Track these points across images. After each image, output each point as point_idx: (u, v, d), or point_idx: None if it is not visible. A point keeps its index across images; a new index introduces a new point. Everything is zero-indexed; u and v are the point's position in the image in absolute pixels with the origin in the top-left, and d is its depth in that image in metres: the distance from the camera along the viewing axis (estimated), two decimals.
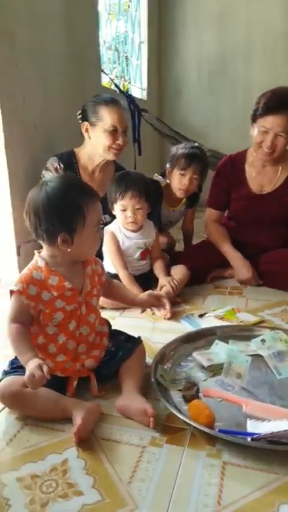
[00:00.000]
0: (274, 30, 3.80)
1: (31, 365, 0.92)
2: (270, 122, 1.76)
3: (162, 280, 1.76)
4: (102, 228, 1.73)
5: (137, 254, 1.78)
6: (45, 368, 0.91)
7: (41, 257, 1.07)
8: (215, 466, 0.86)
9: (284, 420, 0.91)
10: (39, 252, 1.09)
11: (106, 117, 1.80)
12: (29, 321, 1.05)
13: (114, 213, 1.76)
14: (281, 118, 1.75)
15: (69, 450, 0.91)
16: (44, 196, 1.01)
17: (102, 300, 1.38)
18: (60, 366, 1.07)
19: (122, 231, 1.76)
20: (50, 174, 1.85)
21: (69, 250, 1.03)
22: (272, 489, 0.80)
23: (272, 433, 0.86)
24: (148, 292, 1.37)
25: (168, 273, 1.83)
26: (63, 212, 1.01)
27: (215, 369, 1.18)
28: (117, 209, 1.73)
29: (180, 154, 2.03)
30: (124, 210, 1.71)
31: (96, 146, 1.86)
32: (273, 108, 1.75)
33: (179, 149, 2.06)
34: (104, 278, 1.21)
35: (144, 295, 1.37)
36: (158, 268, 1.83)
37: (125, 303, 1.42)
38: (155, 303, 1.37)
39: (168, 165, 2.10)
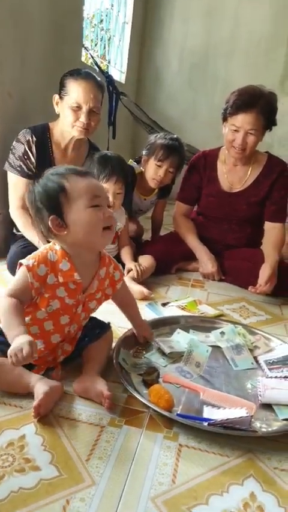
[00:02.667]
0: (259, 33, 3.86)
1: (20, 340, 0.86)
2: (240, 120, 1.80)
3: (130, 264, 1.77)
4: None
5: None
6: (35, 347, 0.86)
7: (57, 242, 1.03)
8: (171, 448, 0.90)
9: (238, 408, 0.96)
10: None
11: (71, 92, 1.70)
12: (26, 302, 1.00)
13: None
14: (250, 115, 1.78)
15: (27, 426, 0.91)
16: (34, 186, 1.00)
17: None
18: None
19: None
20: (21, 147, 1.78)
21: (65, 232, 0.98)
22: (223, 471, 0.85)
23: (227, 419, 0.91)
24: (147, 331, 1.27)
25: (135, 260, 1.85)
26: (45, 193, 0.97)
27: (175, 357, 1.22)
28: None
29: (159, 144, 1.99)
30: None
31: (63, 121, 1.79)
32: (242, 106, 1.78)
33: (157, 138, 2.03)
34: (118, 286, 1.15)
35: (145, 329, 1.26)
36: (125, 254, 1.84)
37: (129, 319, 1.27)
38: (141, 339, 1.27)
39: (144, 153, 2.07)
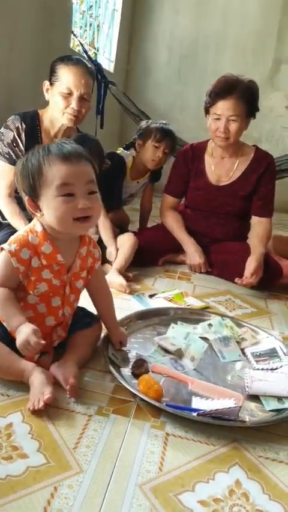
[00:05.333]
0: (248, 27, 3.86)
1: (24, 330, 0.89)
2: (220, 107, 1.83)
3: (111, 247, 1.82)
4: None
5: None
6: (39, 333, 0.88)
7: (39, 221, 1.00)
8: (158, 437, 0.91)
9: (227, 399, 0.98)
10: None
11: (63, 77, 1.68)
12: (15, 287, 0.99)
13: None
14: (229, 102, 1.81)
15: (14, 415, 0.91)
16: (21, 159, 0.99)
17: None
18: None
19: None
20: (11, 133, 1.74)
21: (38, 215, 0.99)
22: (209, 459, 0.86)
23: (216, 410, 0.92)
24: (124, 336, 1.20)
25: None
26: (25, 172, 0.96)
27: (178, 353, 1.20)
28: None
29: (154, 127, 2.08)
30: None
31: (53, 108, 1.76)
32: (220, 93, 1.82)
33: (150, 123, 2.12)
34: (96, 266, 1.12)
35: (122, 334, 1.19)
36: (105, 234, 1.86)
37: (101, 318, 1.20)
38: (117, 344, 1.18)
39: (138, 137, 2.13)
